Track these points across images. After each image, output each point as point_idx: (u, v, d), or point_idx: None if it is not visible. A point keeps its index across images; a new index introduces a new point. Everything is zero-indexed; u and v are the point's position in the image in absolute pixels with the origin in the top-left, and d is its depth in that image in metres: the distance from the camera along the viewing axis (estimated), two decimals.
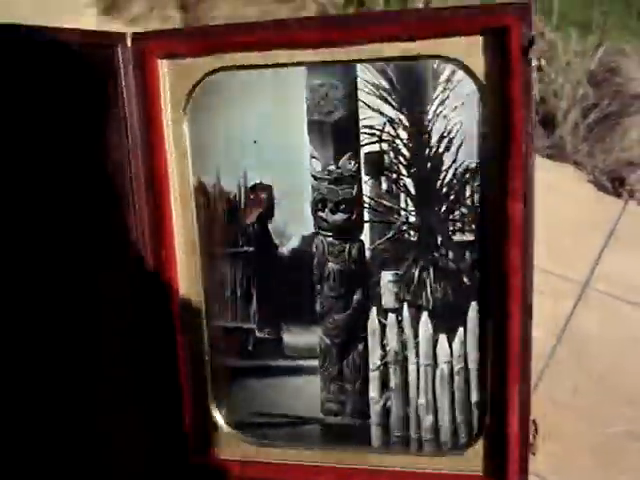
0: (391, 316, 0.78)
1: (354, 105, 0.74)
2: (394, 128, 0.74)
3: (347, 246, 0.78)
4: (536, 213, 0.71)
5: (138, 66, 0.75)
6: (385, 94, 0.73)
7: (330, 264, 0.79)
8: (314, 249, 0.79)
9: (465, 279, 0.75)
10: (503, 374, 0.74)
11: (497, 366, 0.75)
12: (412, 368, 0.79)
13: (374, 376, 0.80)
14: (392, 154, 0.75)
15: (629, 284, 1.43)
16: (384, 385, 0.80)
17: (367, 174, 0.76)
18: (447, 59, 0.71)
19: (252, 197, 0.79)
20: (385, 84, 0.73)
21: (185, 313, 0.82)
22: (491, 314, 0.75)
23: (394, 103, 0.73)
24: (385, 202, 0.76)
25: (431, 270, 0.76)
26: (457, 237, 0.75)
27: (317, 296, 0.80)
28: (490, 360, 0.76)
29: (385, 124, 0.74)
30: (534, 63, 0.67)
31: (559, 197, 1.56)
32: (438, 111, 0.73)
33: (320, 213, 0.78)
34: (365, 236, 0.77)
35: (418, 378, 0.79)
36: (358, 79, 0.74)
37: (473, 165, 0.73)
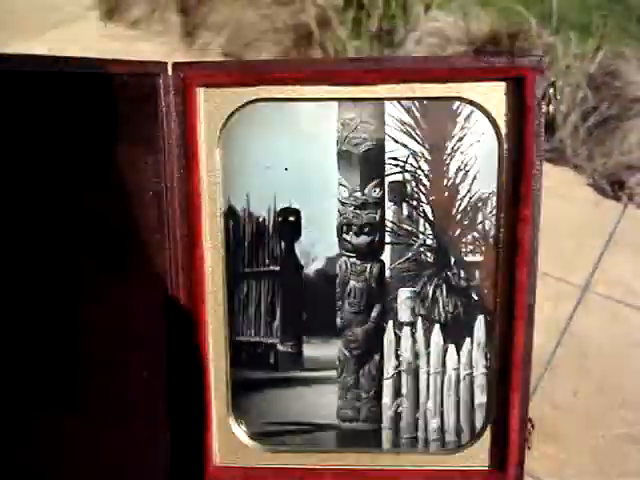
0: (406, 329, 0.86)
1: (381, 138, 0.82)
2: (416, 160, 0.82)
3: (368, 266, 0.85)
4: None
5: (178, 93, 0.78)
6: (410, 129, 0.81)
7: (352, 282, 0.86)
8: (337, 269, 0.85)
9: (474, 295, 0.85)
10: (505, 380, 0.84)
11: (500, 373, 0.85)
12: (423, 376, 0.87)
13: (387, 384, 0.88)
14: (414, 183, 0.83)
15: (629, 287, 1.43)
16: (396, 392, 0.88)
17: (390, 201, 0.83)
18: (467, 101, 0.80)
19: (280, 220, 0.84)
20: (410, 121, 0.81)
21: (210, 328, 0.86)
22: (496, 327, 0.85)
23: (417, 138, 0.81)
24: (406, 226, 0.84)
25: (444, 287, 0.85)
26: (469, 258, 0.84)
27: (338, 312, 0.86)
28: (494, 367, 0.86)
29: (408, 156, 0.82)
30: (544, 109, 0.77)
31: (559, 200, 1.56)
32: (456, 147, 0.81)
33: (345, 236, 0.84)
34: (386, 257, 0.85)
35: (428, 385, 0.88)
36: (386, 115, 0.81)
37: (485, 195, 0.82)
